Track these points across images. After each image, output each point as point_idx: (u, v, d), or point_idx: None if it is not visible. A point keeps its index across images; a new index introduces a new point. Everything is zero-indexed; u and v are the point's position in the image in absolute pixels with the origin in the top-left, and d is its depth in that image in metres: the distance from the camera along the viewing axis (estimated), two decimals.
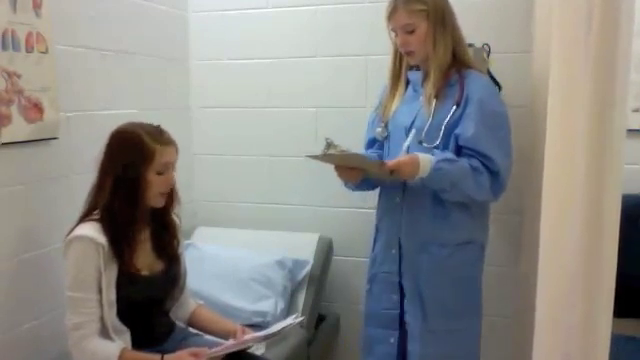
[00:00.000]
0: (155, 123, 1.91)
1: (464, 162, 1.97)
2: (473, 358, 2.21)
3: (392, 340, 2.18)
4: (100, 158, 1.83)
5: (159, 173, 1.83)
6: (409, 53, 2.07)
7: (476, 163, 1.98)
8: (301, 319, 2.13)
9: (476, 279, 2.17)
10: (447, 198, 2.03)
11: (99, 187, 1.83)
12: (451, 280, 2.09)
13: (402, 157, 1.98)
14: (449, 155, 1.99)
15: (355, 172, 2.08)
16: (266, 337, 1.97)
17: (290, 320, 1.99)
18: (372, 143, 2.29)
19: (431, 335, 2.09)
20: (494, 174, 1.99)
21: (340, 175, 2.11)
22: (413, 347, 2.13)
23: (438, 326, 2.09)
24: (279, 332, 1.97)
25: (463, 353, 2.16)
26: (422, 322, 2.09)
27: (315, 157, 2.01)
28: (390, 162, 1.97)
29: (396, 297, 2.16)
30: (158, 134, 1.84)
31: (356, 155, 2.06)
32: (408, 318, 2.14)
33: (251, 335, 1.92)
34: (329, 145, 1.99)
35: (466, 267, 2.12)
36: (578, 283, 1.66)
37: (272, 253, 2.65)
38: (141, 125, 1.85)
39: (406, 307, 2.14)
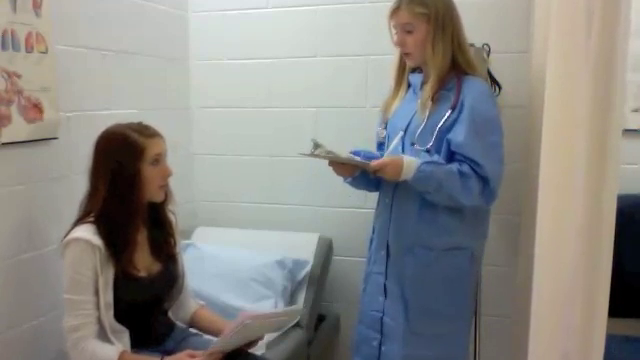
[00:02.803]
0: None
1: (453, 166, 1.98)
2: None
3: (374, 343, 2.18)
4: (90, 166, 1.84)
5: (153, 165, 1.84)
6: (406, 54, 2.08)
7: (466, 168, 1.97)
8: (301, 307, 2.12)
9: (464, 284, 2.15)
10: (432, 200, 2.02)
11: (93, 194, 1.83)
12: (436, 284, 2.08)
13: (386, 158, 2.00)
14: (436, 158, 2.00)
15: (349, 167, 2.11)
16: (260, 317, 1.87)
17: (295, 305, 1.97)
18: (380, 146, 2.30)
19: (414, 337, 2.09)
20: (484, 180, 1.98)
21: (334, 171, 2.14)
22: (393, 348, 2.13)
23: (421, 329, 2.09)
24: (278, 315, 1.95)
25: (448, 357, 2.15)
26: (405, 324, 2.09)
27: (304, 155, 2.05)
28: (374, 162, 1.99)
29: (382, 299, 2.17)
30: (143, 129, 1.86)
31: (340, 157, 2.08)
32: (387, 319, 2.14)
33: (245, 314, 1.81)
34: (316, 146, 2.03)
35: (453, 272, 2.10)
36: (575, 283, 1.66)
37: (272, 253, 2.65)
38: (124, 125, 1.86)
39: (386, 309, 2.15)
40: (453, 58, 2.05)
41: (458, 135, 1.98)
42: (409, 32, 2.03)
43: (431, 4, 2.01)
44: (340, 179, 2.25)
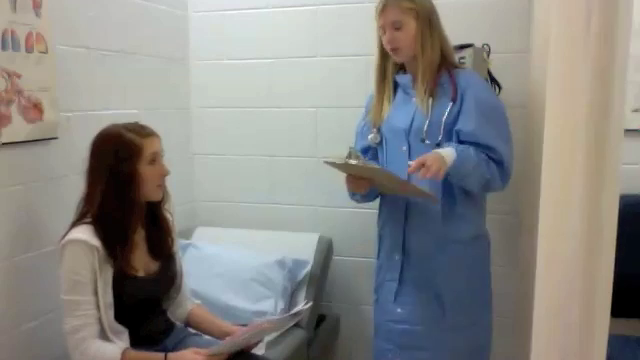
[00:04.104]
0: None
1: (476, 152, 1.99)
2: (488, 350, 2.24)
3: (389, 356, 2.17)
4: (86, 167, 1.84)
5: (150, 164, 1.84)
6: (395, 50, 2.08)
7: (482, 156, 2.00)
8: (310, 304, 2.15)
9: (486, 270, 2.21)
10: (470, 185, 2.01)
11: (90, 194, 1.83)
12: (466, 275, 2.11)
13: (425, 156, 1.92)
14: (460, 145, 2.00)
15: (364, 182, 2.10)
16: (278, 321, 1.96)
17: (300, 307, 1.99)
18: (365, 152, 2.29)
19: (451, 332, 2.10)
20: (499, 163, 2.01)
21: (350, 185, 2.12)
22: (425, 352, 2.11)
23: (457, 322, 2.10)
24: (290, 318, 1.96)
25: (479, 346, 2.18)
26: (442, 321, 2.09)
27: (333, 164, 2.02)
28: (413, 163, 1.90)
29: (393, 306, 2.16)
30: (139, 128, 1.87)
31: (379, 169, 2.07)
32: (414, 326, 2.12)
33: (266, 319, 1.91)
34: (351, 154, 2.00)
35: (478, 262, 2.16)
36: (576, 283, 1.66)
37: (272, 253, 2.65)
38: (120, 125, 1.87)
39: (408, 315, 2.13)
40: (442, 53, 2.07)
41: (467, 124, 2.00)
42: (398, 29, 2.05)
43: (417, 0, 2.04)
44: (339, 179, 2.25)
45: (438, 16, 2.09)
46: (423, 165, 1.87)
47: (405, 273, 2.15)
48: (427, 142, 2.04)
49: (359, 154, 2.04)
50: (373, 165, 2.09)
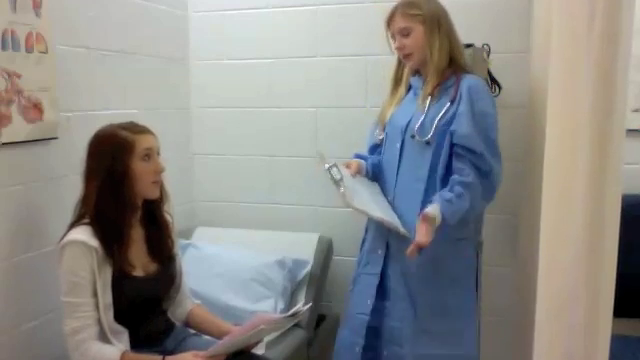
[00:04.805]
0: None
1: (457, 188, 1.98)
2: None
3: (357, 349, 2.16)
4: (83, 168, 1.84)
5: (144, 160, 1.84)
6: (407, 56, 2.12)
7: (465, 173, 1.98)
8: (309, 305, 2.15)
9: (470, 279, 2.15)
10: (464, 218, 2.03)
11: (87, 195, 1.83)
12: (443, 279, 2.09)
13: (418, 229, 1.96)
14: (446, 196, 1.98)
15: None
16: (275, 322, 1.94)
17: (298, 307, 1.99)
18: (373, 149, 2.33)
19: (424, 335, 2.08)
20: (484, 174, 2.00)
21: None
22: (399, 350, 2.11)
23: (430, 326, 2.08)
24: (289, 318, 1.95)
25: (464, 356, 2.14)
26: (413, 322, 2.09)
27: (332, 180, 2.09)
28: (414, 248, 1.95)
29: (370, 302, 2.15)
30: (132, 126, 1.87)
31: (374, 216, 2.08)
32: (393, 322, 2.13)
33: (262, 318, 1.88)
34: (331, 168, 2.06)
35: (458, 266, 2.12)
36: (579, 283, 1.66)
37: (272, 253, 2.65)
38: (114, 125, 1.87)
39: (390, 310, 2.14)
40: (451, 57, 2.09)
41: (462, 127, 2.00)
42: (406, 35, 2.08)
43: (424, 6, 2.07)
44: None
45: (448, 18, 2.10)
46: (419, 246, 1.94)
47: (387, 269, 2.15)
48: (417, 139, 2.07)
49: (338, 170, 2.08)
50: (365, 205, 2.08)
